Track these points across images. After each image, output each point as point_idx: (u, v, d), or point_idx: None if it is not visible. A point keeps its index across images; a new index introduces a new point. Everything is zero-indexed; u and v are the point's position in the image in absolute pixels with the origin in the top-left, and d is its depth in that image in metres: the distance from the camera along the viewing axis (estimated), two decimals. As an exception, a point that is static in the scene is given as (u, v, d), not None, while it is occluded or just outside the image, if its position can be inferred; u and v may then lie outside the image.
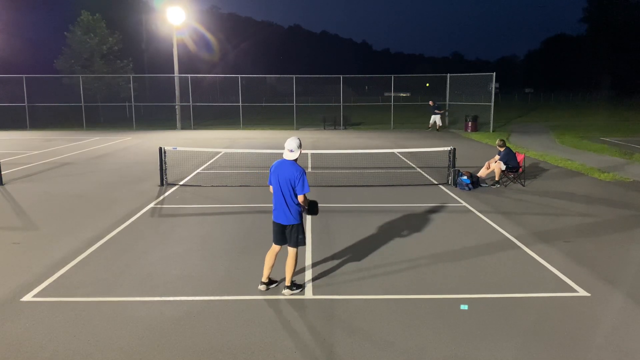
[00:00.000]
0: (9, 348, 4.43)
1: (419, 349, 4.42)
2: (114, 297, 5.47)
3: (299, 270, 6.23)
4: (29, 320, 4.93)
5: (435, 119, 26.34)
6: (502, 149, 11.67)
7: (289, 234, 5.44)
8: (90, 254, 6.86)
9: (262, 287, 5.58)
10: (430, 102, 26.85)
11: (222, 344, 4.50)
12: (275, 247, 5.59)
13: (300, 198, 5.26)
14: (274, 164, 5.49)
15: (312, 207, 5.55)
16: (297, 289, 5.50)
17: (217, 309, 5.18)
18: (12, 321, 4.91)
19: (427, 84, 27.66)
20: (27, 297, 5.45)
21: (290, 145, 5.33)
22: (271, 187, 5.50)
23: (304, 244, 5.52)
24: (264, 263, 5.54)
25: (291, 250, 5.46)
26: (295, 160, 5.37)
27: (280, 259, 5.66)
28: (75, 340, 4.55)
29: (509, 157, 11.54)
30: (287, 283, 5.48)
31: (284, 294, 5.40)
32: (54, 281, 5.90)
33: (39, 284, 5.78)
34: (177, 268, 6.34)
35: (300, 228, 5.44)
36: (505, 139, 12.06)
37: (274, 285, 5.64)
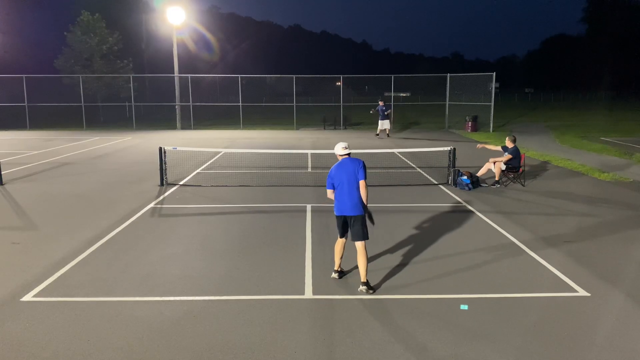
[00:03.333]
0: (9, 348, 4.43)
1: (419, 349, 4.42)
2: (114, 297, 5.47)
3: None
4: (29, 320, 4.93)
5: (384, 124, 22.76)
6: (510, 146, 11.65)
7: (353, 226, 5.64)
8: (90, 254, 6.86)
9: (334, 275, 5.91)
10: (380, 102, 22.93)
11: (222, 344, 4.50)
12: (341, 239, 5.87)
13: (362, 183, 5.62)
14: (333, 167, 5.80)
15: (369, 214, 5.78)
16: (371, 290, 5.58)
17: (217, 309, 5.18)
18: (12, 321, 4.91)
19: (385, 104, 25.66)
20: (27, 297, 5.45)
21: (343, 144, 5.87)
22: (329, 190, 5.80)
23: (368, 237, 5.67)
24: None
25: (359, 245, 5.63)
26: (350, 155, 5.88)
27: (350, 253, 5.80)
28: (75, 340, 4.56)
29: (516, 155, 11.54)
30: (363, 279, 5.59)
31: (361, 291, 5.52)
32: (54, 281, 5.90)
33: (39, 284, 5.78)
34: (177, 268, 6.34)
35: (364, 220, 5.65)
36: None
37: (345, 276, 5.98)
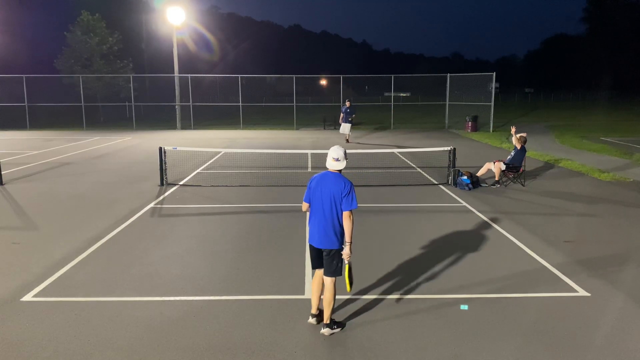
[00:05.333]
0: (9, 348, 4.43)
1: (419, 349, 4.42)
2: (114, 297, 5.47)
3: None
4: (29, 320, 4.93)
5: (345, 127, 20.49)
6: (519, 146, 11.65)
7: (326, 260, 4.64)
8: (90, 254, 6.86)
9: (312, 321, 4.82)
10: (347, 103, 20.43)
11: (222, 344, 4.50)
12: (319, 272, 4.80)
13: (346, 214, 4.50)
14: (314, 177, 4.76)
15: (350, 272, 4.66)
16: (337, 327, 4.73)
17: (217, 309, 5.18)
18: (12, 321, 4.91)
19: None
20: (27, 297, 5.45)
21: (336, 153, 4.63)
22: (305, 204, 4.78)
23: (340, 273, 4.66)
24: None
25: (329, 282, 4.65)
26: (340, 171, 4.70)
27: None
28: (75, 340, 4.55)
29: (521, 156, 11.57)
30: (326, 320, 4.66)
31: (323, 333, 4.63)
32: (54, 281, 5.90)
33: (39, 284, 5.78)
34: (177, 268, 6.34)
35: (339, 254, 4.62)
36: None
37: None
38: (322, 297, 4.84)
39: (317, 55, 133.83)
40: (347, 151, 4.89)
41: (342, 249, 4.60)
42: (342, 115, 20.63)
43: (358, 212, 8.98)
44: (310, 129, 28.33)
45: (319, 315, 4.83)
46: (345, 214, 4.51)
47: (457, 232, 7.88)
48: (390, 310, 5.16)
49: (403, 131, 26.89)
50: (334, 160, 4.64)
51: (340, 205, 4.53)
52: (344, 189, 4.50)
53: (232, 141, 22.05)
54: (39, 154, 17.28)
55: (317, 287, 4.81)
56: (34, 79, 29.64)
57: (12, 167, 14.00)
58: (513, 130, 12.22)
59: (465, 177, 11.11)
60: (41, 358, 4.27)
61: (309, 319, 4.86)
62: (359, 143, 20.80)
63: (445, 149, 11.98)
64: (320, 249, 4.66)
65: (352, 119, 20.48)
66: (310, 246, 4.75)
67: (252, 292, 5.59)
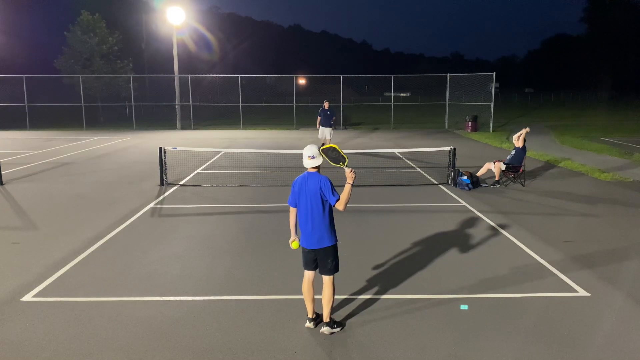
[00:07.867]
0: (9, 348, 4.43)
1: (419, 349, 4.42)
2: (114, 297, 5.47)
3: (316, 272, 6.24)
4: (29, 320, 4.93)
5: (325, 132, 17.26)
6: (519, 145, 11.66)
7: (321, 259, 4.65)
8: (90, 254, 6.86)
9: (310, 325, 4.76)
10: (326, 104, 17.38)
11: (222, 344, 4.50)
12: (309, 275, 4.76)
13: (340, 207, 4.52)
14: (296, 181, 4.77)
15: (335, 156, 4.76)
16: (337, 327, 4.73)
17: (217, 309, 5.18)
18: (12, 321, 4.91)
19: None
20: (27, 297, 5.45)
21: (310, 151, 4.68)
22: (292, 209, 4.78)
23: (338, 269, 4.72)
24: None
25: (327, 279, 4.66)
26: (318, 168, 4.72)
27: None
28: (75, 340, 4.55)
29: (521, 156, 11.58)
30: (326, 319, 4.68)
31: (323, 332, 4.65)
32: (54, 281, 5.89)
33: (39, 284, 5.78)
34: (177, 268, 6.34)
35: (334, 251, 4.66)
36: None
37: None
38: (316, 297, 4.85)
39: (317, 55, 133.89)
40: (344, 152, 4.94)
41: (336, 245, 4.67)
42: (319, 119, 17.34)
43: (359, 211, 9.01)
44: (310, 129, 28.29)
45: (316, 318, 4.81)
46: (340, 207, 4.53)
47: (457, 232, 7.88)
48: (390, 310, 5.16)
49: (403, 131, 26.89)
50: (310, 158, 4.67)
51: (324, 201, 4.58)
52: (322, 184, 4.55)
53: (232, 141, 22.05)
54: (39, 154, 17.28)
55: (308, 291, 4.77)
56: (34, 79, 29.65)
57: (12, 167, 14.00)
58: (527, 130, 12.18)
59: (465, 177, 11.11)
60: (41, 358, 4.27)
61: (306, 323, 4.80)
62: (400, 150, 18.81)
63: (445, 149, 11.98)
64: (314, 250, 4.65)
65: (333, 122, 17.74)
66: (303, 249, 4.73)
67: (252, 292, 5.59)
